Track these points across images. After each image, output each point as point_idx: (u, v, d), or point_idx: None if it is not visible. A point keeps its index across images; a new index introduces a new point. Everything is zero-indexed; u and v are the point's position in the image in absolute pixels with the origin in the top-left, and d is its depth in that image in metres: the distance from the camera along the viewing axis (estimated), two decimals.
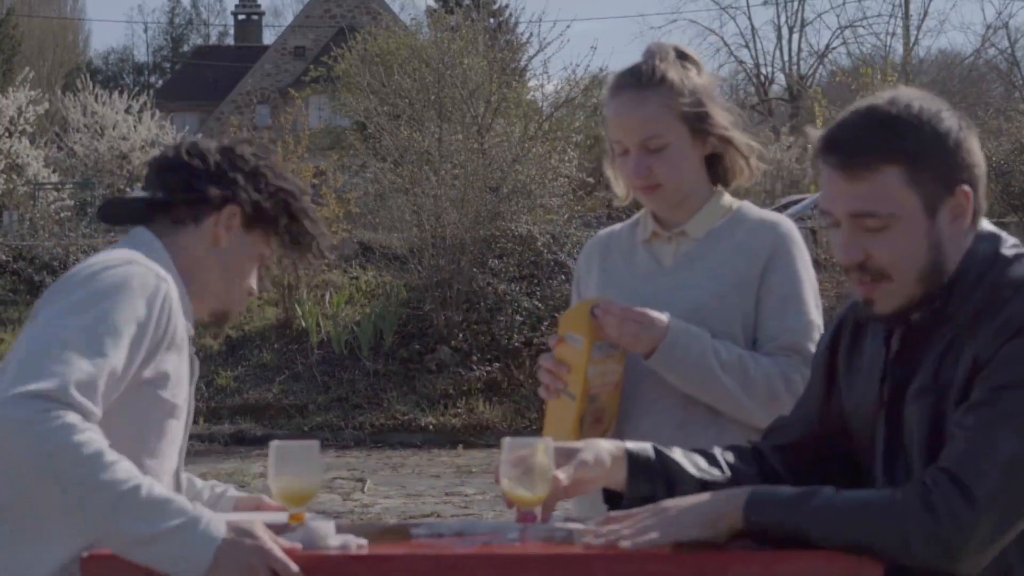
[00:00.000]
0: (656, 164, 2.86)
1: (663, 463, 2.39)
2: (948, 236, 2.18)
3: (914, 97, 2.20)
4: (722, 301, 2.85)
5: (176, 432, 2.48)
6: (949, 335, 2.19)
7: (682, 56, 2.92)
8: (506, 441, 2.28)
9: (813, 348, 2.69)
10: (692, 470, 2.39)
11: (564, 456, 2.33)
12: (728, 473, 2.41)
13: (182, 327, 2.45)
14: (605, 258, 3.05)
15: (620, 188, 3.01)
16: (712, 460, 2.43)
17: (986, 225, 2.26)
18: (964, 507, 2.04)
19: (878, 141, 2.15)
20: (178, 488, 2.53)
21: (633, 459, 2.38)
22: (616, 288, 2.93)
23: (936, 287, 2.20)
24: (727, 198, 2.98)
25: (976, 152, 2.22)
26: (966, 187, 2.18)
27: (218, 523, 2.16)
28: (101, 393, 2.22)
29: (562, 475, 2.31)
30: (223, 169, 2.60)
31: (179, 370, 2.45)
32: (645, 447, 2.40)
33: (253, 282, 2.65)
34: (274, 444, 2.34)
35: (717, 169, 2.96)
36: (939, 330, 2.21)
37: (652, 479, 2.37)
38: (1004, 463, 2.06)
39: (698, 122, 2.87)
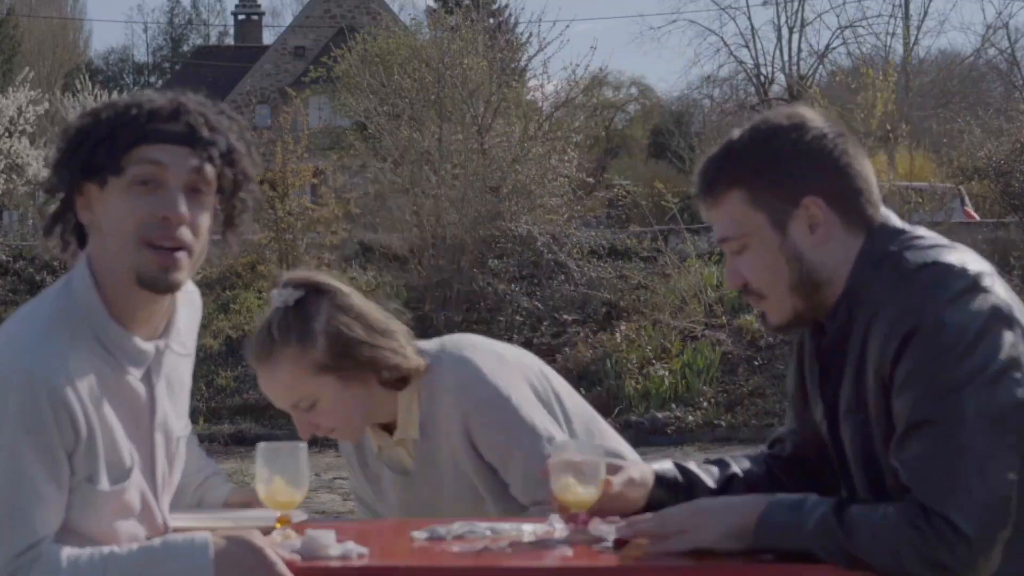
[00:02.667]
0: (316, 417, 2.74)
1: (686, 476, 2.46)
2: (809, 247, 2.24)
3: (772, 118, 2.28)
4: (475, 489, 2.79)
5: (133, 491, 2.25)
6: (857, 346, 2.20)
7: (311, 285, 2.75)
8: (556, 442, 2.30)
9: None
10: (709, 481, 2.46)
11: (611, 471, 2.38)
12: (741, 475, 2.48)
13: (82, 417, 2.13)
14: (364, 470, 3.00)
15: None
16: (725, 468, 2.50)
17: (890, 222, 2.26)
18: (958, 541, 2.03)
19: (718, 170, 2.27)
20: (162, 523, 2.35)
21: (660, 478, 2.45)
22: (383, 504, 2.96)
23: (819, 295, 2.24)
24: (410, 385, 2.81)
25: (851, 162, 2.25)
26: (813, 197, 2.22)
27: (202, 544, 2.10)
28: (54, 515, 2.12)
29: (615, 480, 2.35)
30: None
31: (102, 454, 2.17)
32: (668, 466, 2.48)
33: (135, 218, 2.17)
34: (261, 446, 2.32)
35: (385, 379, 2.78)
36: (850, 339, 2.23)
37: (675, 492, 2.43)
38: (977, 486, 2.04)
39: (338, 371, 2.70)
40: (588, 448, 2.31)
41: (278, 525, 2.30)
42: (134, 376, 2.24)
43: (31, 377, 2.10)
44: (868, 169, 2.29)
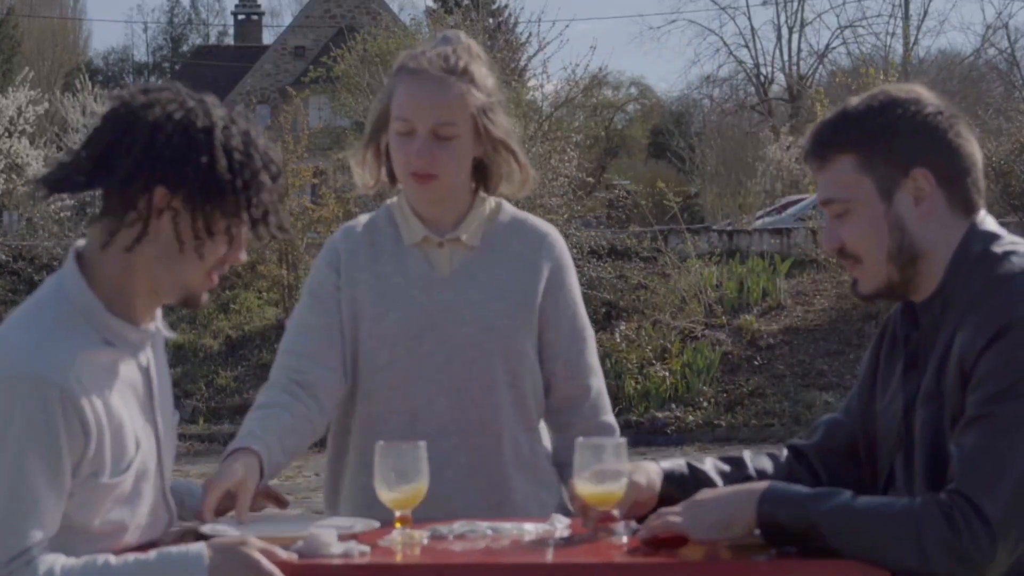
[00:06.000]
0: (440, 153, 2.79)
1: (695, 476, 2.47)
2: (913, 219, 2.28)
3: (891, 90, 2.33)
4: (512, 320, 2.84)
5: (143, 477, 2.25)
6: (946, 340, 2.24)
7: (479, 55, 2.89)
8: (578, 441, 2.30)
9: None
10: (720, 481, 2.46)
11: None
12: (755, 477, 2.48)
13: (91, 416, 2.12)
14: (375, 259, 2.89)
15: (366, 176, 2.91)
16: (739, 466, 2.51)
17: (988, 224, 2.31)
18: (982, 528, 2.07)
19: (832, 133, 2.32)
20: (167, 504, 2.36)
21: (668, 476, 2.46)
22: (392, 296, 2.84)
23: (914, 268, 2.28)
24: (489, 200, 2.94)
25: (962, 143, 2.29)
26: (923, 170, 2.26)
27: (197, 556, 2.09)
28: (49, 522, 2.10)
29: (641, 479, 2.37)
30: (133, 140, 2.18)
31: (109, 449, 2.16)
32: (680, 463, 2.49)
33: (219, 256, 2.25)
34: (380, 445, 2.31)
35: (480, 174, 2.90)
36: (940, 334, 2.26)
37: (683, 489, 2.43)
38: (1014, 480, 2.08)
39: (484, 121, 2.82)
40: (613, 446, 2.31)
41: (398, 525, 2.30)
42: (136, 362, 2.26)
43: (40, 382, 2.08)
44: (977, 153, 2.33)
